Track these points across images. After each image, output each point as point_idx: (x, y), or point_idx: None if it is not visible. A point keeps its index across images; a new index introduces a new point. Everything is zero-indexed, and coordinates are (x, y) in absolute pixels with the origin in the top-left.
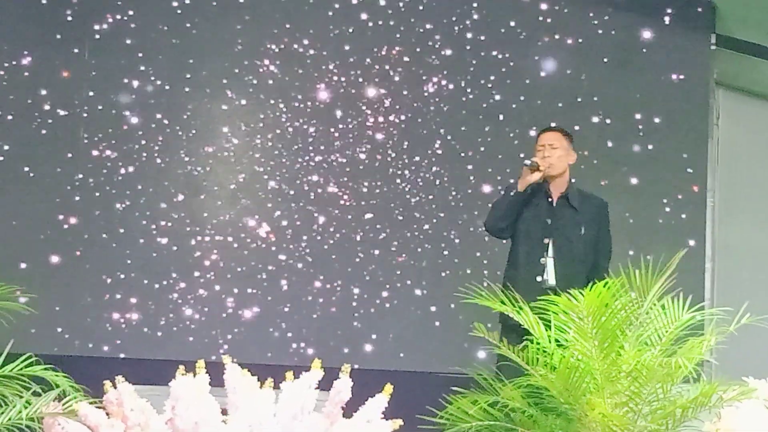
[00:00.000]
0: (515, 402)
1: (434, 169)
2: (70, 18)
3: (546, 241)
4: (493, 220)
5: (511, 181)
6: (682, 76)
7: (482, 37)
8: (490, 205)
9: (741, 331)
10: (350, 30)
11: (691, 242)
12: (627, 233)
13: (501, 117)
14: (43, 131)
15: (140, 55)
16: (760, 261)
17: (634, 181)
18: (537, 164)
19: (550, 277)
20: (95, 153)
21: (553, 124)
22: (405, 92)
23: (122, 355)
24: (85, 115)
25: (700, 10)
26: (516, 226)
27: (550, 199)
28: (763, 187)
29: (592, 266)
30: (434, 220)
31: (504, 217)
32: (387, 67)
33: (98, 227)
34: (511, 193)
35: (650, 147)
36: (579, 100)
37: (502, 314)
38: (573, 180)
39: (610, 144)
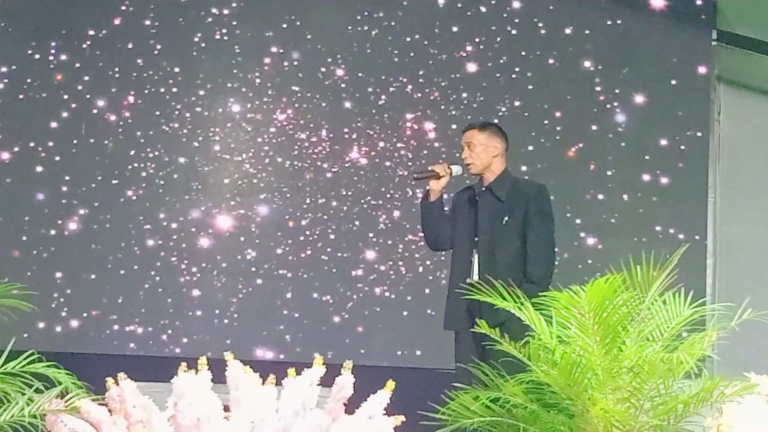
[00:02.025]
0: (517, 398)
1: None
2: (76, 14)
3: (476, 239)
4: (424, 235)
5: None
6: (682, 72)
7: (482, 38)
8: None
9: (743, 326)
10: (357, 30)
11: (693, 238)
12: (628, 228)
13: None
14: (46, 127)
15: (145, 51)
16: (762, 256)
17: (634, 176)
18: (432, 171)
19: (475, 273)
20: (97, 150)
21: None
22: (408, 97)
23: (125, 352)
24: (86, 110)
25: (700, 5)
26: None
27: (477, 197)
28: (765, 183)
29: (520, 256)
30: None
31: (426, 229)
32: (391, 71)
33: (99, 224)
34: (421, 204)
35: (651, 142)
36: (578, 96)
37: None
38: (507, 169)
39: (609, 139)
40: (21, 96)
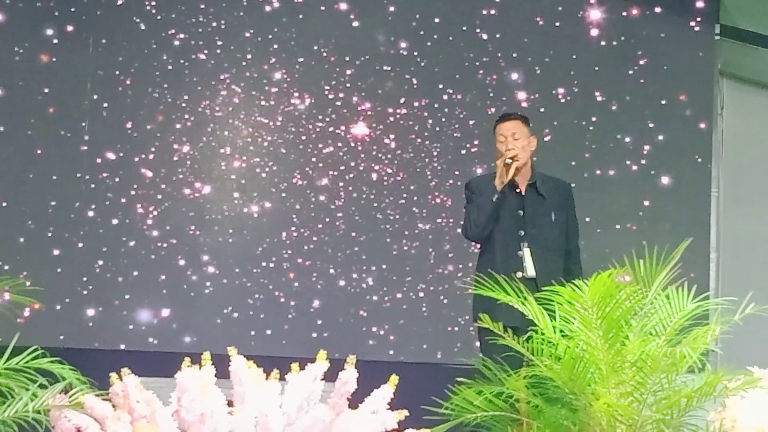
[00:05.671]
0: (520, 392)
1: (438, 169)
2: (77, 8)
3: (521, 233)
4: (479, 228)
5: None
6: (686, 67)
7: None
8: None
9: (746, 320)
10: (362, 27)
11: (696, 232)
12: (631, 223)
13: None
14: (49, 123)
15: (148, 45)
16: (765, 251)
17: (637, 170)
18: (515, 158)
19: (529, 268)
20: (99, 147)
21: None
22: (411, 91)
23: (128, 347)
24: (88, 105)
25: (703, 0)
26: None
27: (518, 190)
28: None
29: (566, 252)
30: (441, 210)
31: (489, 223)
32: (397, 68)
33: (103, 219)
34: (494, 199)
35: (654, 137)
36: (579, 90)
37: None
38: (535, 166)
39: (613, 134)
40: (23, 91)
